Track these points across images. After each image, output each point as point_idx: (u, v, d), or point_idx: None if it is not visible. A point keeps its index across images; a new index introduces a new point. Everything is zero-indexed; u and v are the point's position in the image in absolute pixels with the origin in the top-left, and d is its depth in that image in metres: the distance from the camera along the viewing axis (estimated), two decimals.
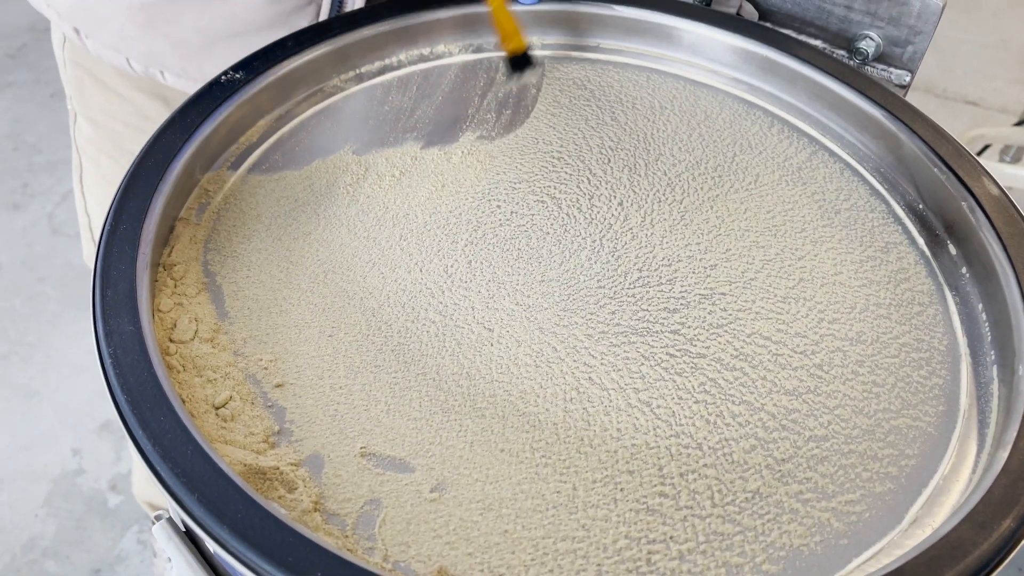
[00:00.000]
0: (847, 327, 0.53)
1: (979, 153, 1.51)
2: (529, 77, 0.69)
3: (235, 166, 0.60)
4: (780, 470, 0.45)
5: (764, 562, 0.42)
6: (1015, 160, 1.54)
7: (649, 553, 0.42)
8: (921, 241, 0.59)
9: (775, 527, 0.43)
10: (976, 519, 0.40)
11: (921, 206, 0.61)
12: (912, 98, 0.68)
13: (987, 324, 0.53)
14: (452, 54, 0.71)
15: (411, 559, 0.41)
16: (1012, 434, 0.44)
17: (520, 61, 0.67)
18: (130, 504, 1.35)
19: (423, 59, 0.70)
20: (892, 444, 0.47)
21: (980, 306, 0.54)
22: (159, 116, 0.74)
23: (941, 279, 0.56)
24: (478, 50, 0.71)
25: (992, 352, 0.52)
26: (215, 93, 0.60)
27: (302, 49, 0.64)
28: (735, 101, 0.68)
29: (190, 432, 0.40)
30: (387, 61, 0.69)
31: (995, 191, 0.57)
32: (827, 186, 0.62)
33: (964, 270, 0.56)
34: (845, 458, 0.46)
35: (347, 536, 0.41)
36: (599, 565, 0.41)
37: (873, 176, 0.63)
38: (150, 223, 0.51)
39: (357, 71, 0.68)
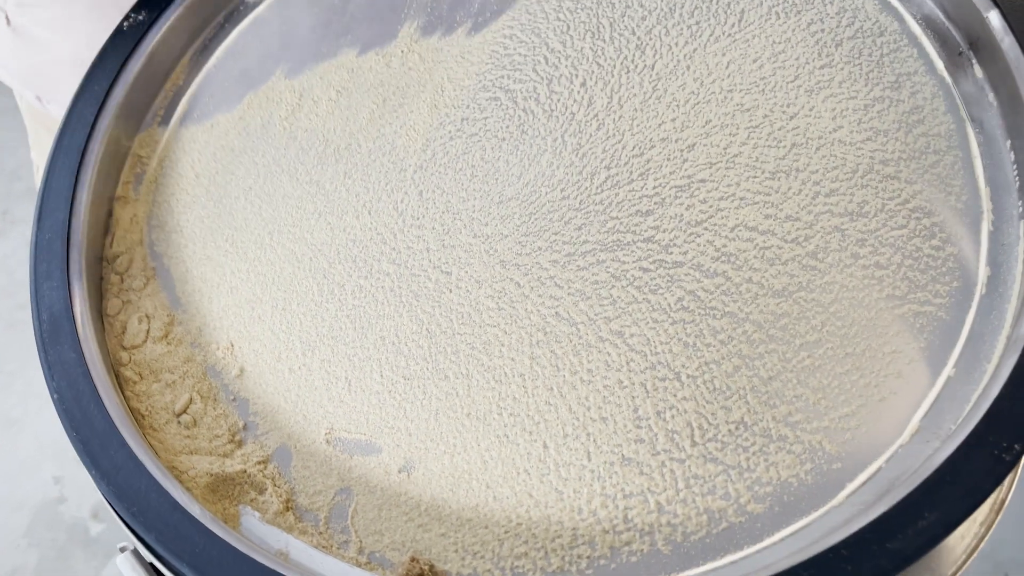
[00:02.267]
0: (847, 198, 0.46)
1: None
2: None
3: (165, 120, 0.56)
4: (766, 391, 0.42)
5: (749, 502, 0.39)
6: None
7: (626, 509, 0.40)
8: (940, 65, 0.49)
9: (761, 460, 0.40)
10: (981, 434, 0.36)
11: (942, 17, 0.51)
12: None
13: (1015, 166, 0.45)
14: None
15: (385, 548, 0.41)
16: None
17: None
18: (112, 532, 1.35)
19: None
20: (895, 339, 0.42)
21: (1008, 143, 0.46)
22: None
23: (963, 112, 0.48)
24: None
25: (1020, 204, 0.44)
26: (121, 44, 0.54)
27: None
28: None
29: (144, 466, 0.40)
30: None
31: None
32: (827, 9, 0.52)
33: (991, 97, 0.48)
34: (840, 365, 0.42)
35: (321, 533, 0.42)
36: (574, 529, 0.40)
37: None
38: (78, 218, 0.49)
39: None
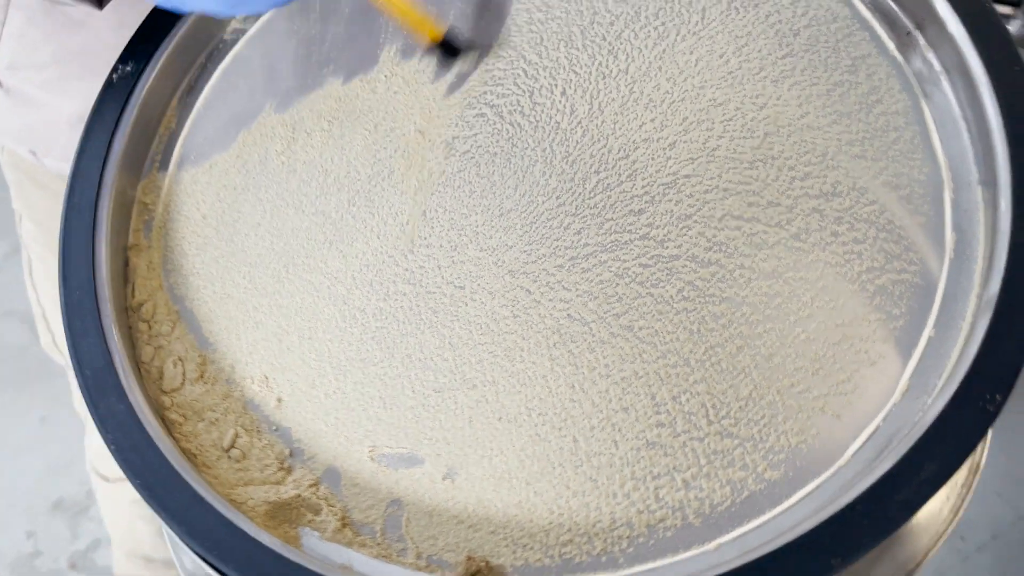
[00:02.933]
0: (820, 180, 0.50)
1: None
2: (467, 63, 0.57)
3: (164, 165, 0.58)
4: (769, 367, 0.46)
5: (766, 470, 0.44)
6: None
7: (656, 489, 0.44)
8: (891, 46, 0.54)
9: (771, 431, 0.45)
10: (965, 388, 0.41)
11: (888, 1, 0.55)
12: None
13: (968, 135, 0.50)
14: None
15: (440, 551, 0.44)
16: (996, 285, 0.43)
17: (447, 49, 0.56)
18: None
19: None
20: (879, 306, 0.47)
21: (960, 114, 0.50)
22: None
23: (916, 89, 0.52)
24: None
25: (976, 171, 0.49)
26: (114, 96, 0.56)
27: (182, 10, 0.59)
28: None
29: (207, 502, 0.43)
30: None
31: None
32: (782, 1, 0.56)
33: (940, 73, 0.52)
34: (832, 335, 0.46)
35: (379, 543, 0.45)
36: (612, 513, 0.44)
37: None
38: (100, 272, 0.51)
39: None
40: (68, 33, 0.71)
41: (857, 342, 0.46)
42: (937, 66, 0.52)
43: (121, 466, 0.44)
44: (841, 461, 0.43)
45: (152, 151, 0.58)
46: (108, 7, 0.68)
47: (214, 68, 0.60)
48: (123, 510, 1.17)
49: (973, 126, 0.50)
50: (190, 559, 0.53)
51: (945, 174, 0.49)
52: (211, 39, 0.61)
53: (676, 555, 0.43)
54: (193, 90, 0.60)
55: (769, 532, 0.42)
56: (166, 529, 0.49)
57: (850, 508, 0.39)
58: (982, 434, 0.39)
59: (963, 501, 0.48)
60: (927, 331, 0.46)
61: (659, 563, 0.43)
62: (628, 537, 0.43)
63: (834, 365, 0.46)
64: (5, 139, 0.80)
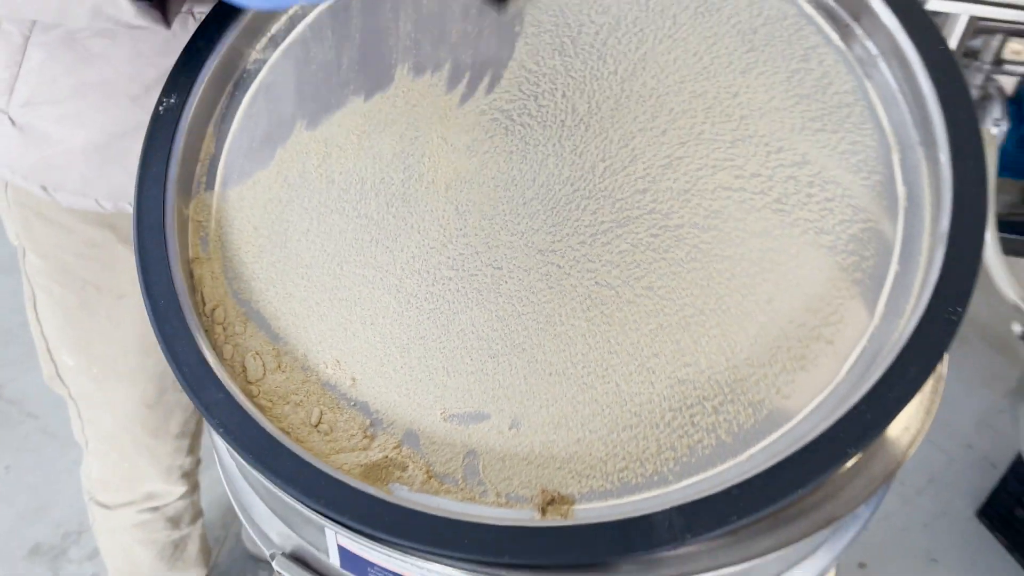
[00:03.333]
0: (792, 152, 0.60)
1: None
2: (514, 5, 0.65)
3: (210, 185, 0.64)
4: (770, 308, 0.55)
5: (779, 391, 0.53)
6: None
7: (691, 416, 0.53)
8: (835, 37, 0.64)
9: (779, 358, 0.54)
10: (932, 306, 0.51)
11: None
12: None
13: (906, 106, 0.60)
14: None
15: (516, 488, 0.52)
16: (945, 222, 0.53)
17: None
18: None
19: None
20: (853, 251, 0.56)
21: (898, 88, 0.61)
22: (106, 242, 0.88)
23: (859, 71, 0.62)
24: None
25: (916, 134, 0.59)
26: (164, 125, 0.62)
27: (212, 44, 0.65)
28: None
29: (315, 466, 0.49)
30: (291, 12, 0.69)
31: None
32: (739, 3, 0.66)
33: (878, 56, 0.62)
34: (818, 277, 0.56)
35: (462, 489, 0.52)
36: (657, 440, 0.52)
37: None
38: (177, 282, 0.57)
39: (268, 35, 0.69)
40: (87, 66, 0.75)
41: (839, 281, 0.55)
42: (874, 51, 0.62)
43: (232, 443, 0.50)
44: (839, 378, 0.53)
45: (197, 173, 0.64)
46: (124, 39, 0.73)
47: (242, 95, 0.67)
48: (121, 537, 1.20)
49: (910, 98, 0.60)
50: (276, 532, 0.59)
51: (891, 139, 0.60)
52: (236, 69, 0.67)
53: (715, 467, 0.51)
54: (226, 117, 0.66)
55: (790, 439, 0.51)
56: (251, 520, 0.55)
57: (855, 409, 0.49)
58: (951, 339, 0.49)
59: (933, 404, 0.58)
60: (893, 266, 0.55)
61: (702, 475, 0.51)
62: (673, 458, 0.52)
63: (822, 302, 0.55)
64: (15, 177, 0.83)
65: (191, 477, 1.18)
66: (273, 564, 0.58)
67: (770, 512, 0.46)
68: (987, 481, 1.71)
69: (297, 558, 0.58)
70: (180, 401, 1.06)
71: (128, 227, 0.89)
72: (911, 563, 1.62)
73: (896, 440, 0.59)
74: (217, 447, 0.65)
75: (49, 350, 1.00)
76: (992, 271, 1.16)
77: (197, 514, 1.27)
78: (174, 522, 1.20)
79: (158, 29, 0.63)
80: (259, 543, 0.61)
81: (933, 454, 1.82)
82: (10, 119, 0.78)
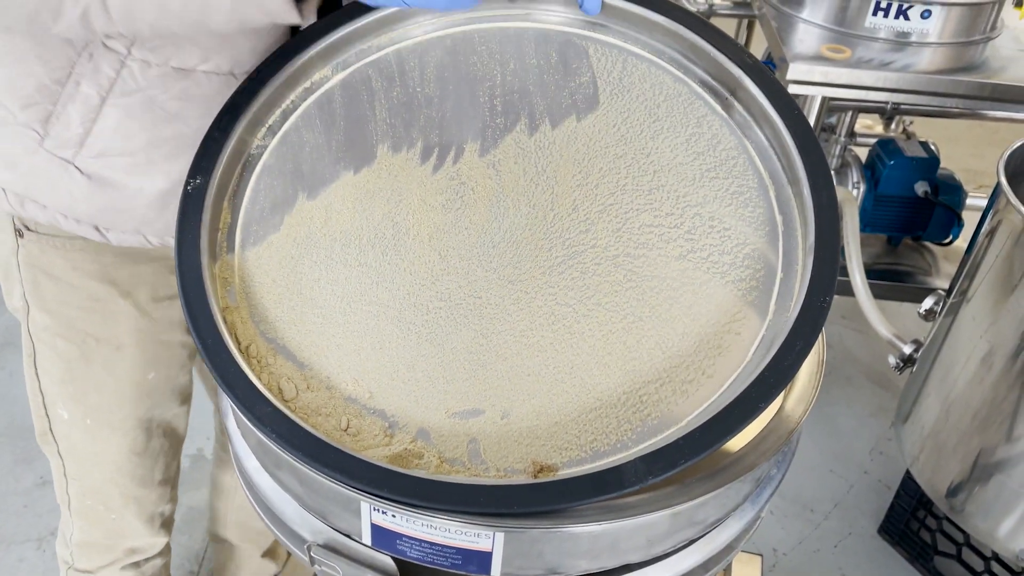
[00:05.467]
0: (695, 195, 0.78)
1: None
2: None
3: (230, 249, 0.77)
4: (692, 311, 0.72)
5: (705, 372, 0.69)
6: None
7: (640, 396, 0.68)
8: (718, 107, 0.83)
9: (702, 351, 0.70)
10: (809, 298, 0.69)
11: (710, 79, 0.84)
12: None
13: (776, 155, 0.79)
14: (328, 78, 0.86)
15: (512, 463, 0.66)
16: (811, 237, 0.72)
17: None
18: None
19: (308, 92, 0.86)
20: (748, 266, 0.74)
21: (767, 142, 0.80)
22: (108, 297, 0.98)
23: (739, 133, 0.81)
24: (346, 65, 0.87)
25: (784, 175, 0.78)
26: (193, 202, 0.75)
27: (227, 133, 0.79)
28: (537, 34, 0.87)
29: (356, 457, 0.63)
30: (284, 105, 0.84)
31: (751, 61, 0.81)
32: (643, 85, 0.85)
33: (751, 121, 0.82)
34: (726, 287, 0.73)
35: (468, 468, 0.66)
36: (617, 417, 0.68)
37: (671, 65, 0.85)
38: (220, 326, 0.69)
39: (266, 126, 0.83)
40: (164, 124, 0.85)
41: (741, 288, 0.73)
42: (748, 116, 0.82)
43: (284, 446, 0.63)
44: (747, 357, 0.70)
45: (219, 240, 0.77)
46: (198, 99, 0.85)
47: (250, 175, 0.81)
48: None
49: (778, 150, 0.80)
50: (308, 529, 0.71)
51: (767, 181, 0.79)
52: (244, 153, 0.81)
53: (663, 433, 0.67)
54: (237, 193, 0.80)
55: (717, 405, 0.67)
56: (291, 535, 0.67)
57: (760, 376, 0.65)
58: (823, 319, 0.67)
59: (819, 379, 0.76)
60: (778, 274, 0.74)
61: (654, 439, 0.66)
62: (630, 429, 0.67)
63: (729, 305, 0.72)
64: (68, 221, 0.89)
65: (168, 529, 1.24)
66: (311, 554, 0.69)
67: (708, 453, 0.62)
68: (884, 501, 1.92)
69: (330, 547, 0.70)
70: (163, 447, 1.13)
71: (127, 280, 0.99)
72: None
73: (793, 410, 0.76)
74: (247, 472, 0.77)
75: (45, 405, 1.06)
76: (867, 313, 1.37)
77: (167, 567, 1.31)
78: None
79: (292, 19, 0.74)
80: (291, 545, 0.73)
81: (835, 482, 2.03)
82: (78, 169, 0.85)
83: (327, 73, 0.86)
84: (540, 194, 0.79)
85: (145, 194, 0.87)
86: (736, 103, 0.83)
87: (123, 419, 1.07)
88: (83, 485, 1.12)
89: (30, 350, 1.03)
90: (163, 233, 0.91)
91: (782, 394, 0.72)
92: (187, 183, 0.76)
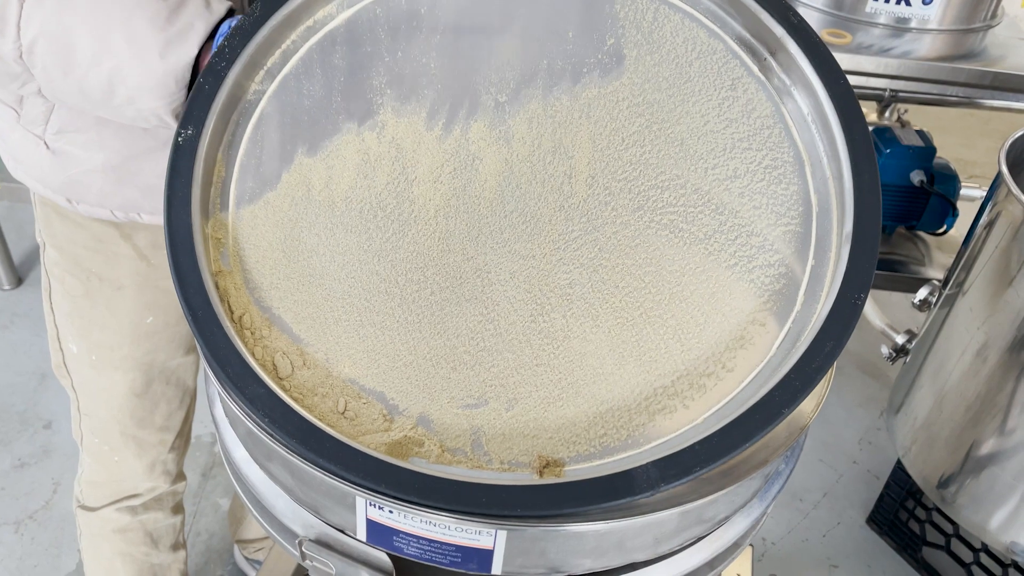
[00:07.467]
0: (724, 168, 0.72)
1: None
2: None
3: (224, 206, 0.72)
4: (714, 299, 0.67)
5: (724, 367, 0.65)
6: None
7: (655, 390, 0.64)
8: (755, 68, 0.76)
9: (723, 343, 0.66)
10: (842, 293, 0.64)
11: (748, 36, 0.77)
12: None
13: (813, 126, 0.73)
14: (332, 16, 0.79)
15: (516, 456, 0.63)
16: (849, 224, 0.66)
17: None
18: None
19: (311, 31, 0.79)
20: (777, 251, 0.69)
21: (807, 113, 0.74)
22: (110, 238, 1.04)
23: (776, 99, 0.75)
24: (352, 2, 0.79)
25: (822, 147, 0.72)
26: (184, 154, 0.69)
27: (220, 80, 0.73)
28: None
29: (351, 447, 0.59)
30: (284, 45, 0.78)
31: (796, 20, 0.74)
32: (675, 40, 0.78)
33: (791, 86, 0.75)
34: (752, 273, 0.68)
35: (470, 459, 0.63)
36: (628, 410, 0.64)
37: (706, 17, 0.78)
38: (212, 295, 0.65)
39: (265, 68, 0.77)
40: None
41: (769, 276, 0.68)
42: (788, 81, 0.75)
43: (274, 430, 0.59)
44: (770, 352, 0.65)
45: (212, 196, 0.72)
46: None
47: (245, 125, 0.75)
48: (102, 546, 1.26)
49: (817, 120, 0.73)
50: (300, 524, 0.68)
51: (804, 155, 0.73)
52: (239, 101, 0.75)
53: (678, 430, 0.63)
54: (232, 145, 0.74)
55: (736, 404, 0.63)
56: (266, 518, 0.64)
57: (785, 378, 0.61)
58: (856, 320, 0.62)
59: (828, 383, 0.71)
60: (809, 261, 0.68)
61: (667, 437, 0.63)
62: (643, 424, 0.64)
63: (755, 292, 0.68)
64: (46, 190, 0.97)
65: (171, 479, 1.24)
66: (303, 549, 0.67)
67: (726, 461, 0.58)
68: (872, 492, 1.93)
69: (323, 543, 0.67)
70: (165, 394, 1.16)
71: (129, 226, 1.04)
72: (814, 571, 1.82)
73: (804, 405, 0.72)
74: (235, 462, 0.74)
75: (59, 338, 1.12)
76: None
77: (179, 544, 1.33)
78: (154, 541, 1.27)
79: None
80: (281, 540, 0.70)
81: (825, 472, 2.03)
82: (45, 144, 0.93)
83: (331, 11, 0.79)
84: (556, 163, 0.73)
85: (98, 168, 0.93)
86: (776, 65, 0.76)
87: (123, 358, 1.10)
88: (92, 423, 1.16)
89: (46, 284, 1.10)
90: (128, 208, 0.97)
91: None
92: (178, 134, 0.70)
